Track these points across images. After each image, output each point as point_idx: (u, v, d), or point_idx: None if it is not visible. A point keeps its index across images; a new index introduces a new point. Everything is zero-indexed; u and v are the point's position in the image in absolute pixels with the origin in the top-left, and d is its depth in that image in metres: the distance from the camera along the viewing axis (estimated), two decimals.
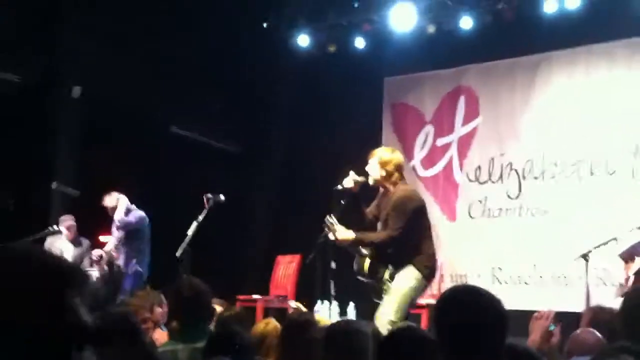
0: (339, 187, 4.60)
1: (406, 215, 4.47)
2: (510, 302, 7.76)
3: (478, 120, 7.76)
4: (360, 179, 4.61)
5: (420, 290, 4.49)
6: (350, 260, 4.61)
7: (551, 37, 7.10)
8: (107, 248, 6.81)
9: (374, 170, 4.63)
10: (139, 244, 6.72)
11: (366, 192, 4.78)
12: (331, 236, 4.51)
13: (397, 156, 4.74)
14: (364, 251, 4.55)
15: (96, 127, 7.19)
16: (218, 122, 8.17)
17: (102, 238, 7.06)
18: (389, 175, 4.62)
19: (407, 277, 4.43)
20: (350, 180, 4.61)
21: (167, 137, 7.77)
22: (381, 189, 4.72)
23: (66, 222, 6.93)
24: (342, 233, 4.49)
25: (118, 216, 6.67)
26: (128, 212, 6.72)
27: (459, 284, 2.35)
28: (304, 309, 3.36)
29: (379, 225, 4.68)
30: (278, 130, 8.62)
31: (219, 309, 3.70)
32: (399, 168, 4.66)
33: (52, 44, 7.12)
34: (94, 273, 6.66)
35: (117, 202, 6.72)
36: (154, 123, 7.54)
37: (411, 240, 4.48)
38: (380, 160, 4.63)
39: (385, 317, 4.35)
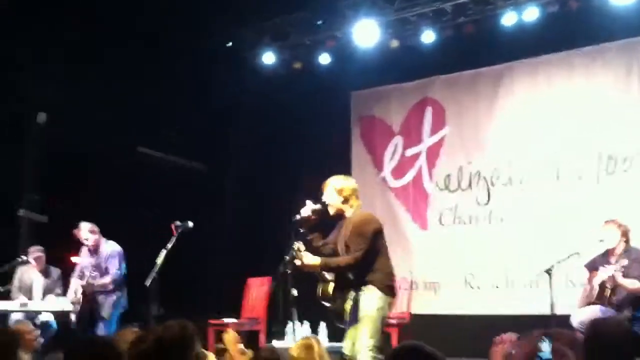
0: (297, 216, 4.66)
1: (367, 237, 4.57)
2: (484, 307, 7.86)
3: (445, 130, 7.87)
4: (317, 207, 4.67)
5: (387, 308, 4.58)
6: (313, 285, 4.66)
7: (511, 48, 7.25)
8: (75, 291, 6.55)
9: (331, 199, 4.71)
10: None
11: (326, 220, 4.83)
12: (297, 262, 4.56)
13: (351, 181, 4.85)
14: (328, 277, 4.63)
15: (62, 152, 7.17)
16: (184, 143, 8.18)
17: (74, 259, 6.99)
18: (346, 200, 4.70)
19: (372, 300, 4.51)
20: (307, 209, 4.67)
21: (133, 160, 7.76)
22: (339, 219, 4.77)
23: (34, 254, 6.85)
24: (309, 259, 4.56)
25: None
26: (113, 257, 6.56)
27: (410, 341, 2.39)
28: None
29: (341, 253, 4.73)
30: (247, 149, 8.62)
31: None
32: (354, 193, 4.75)
33: (15, 69, 7.11)
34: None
35: (98, 242, 6.56)
36: (120, 146, 7.54)
37: (370, 262, 4.57)
38: (335, 188, 4.71)
39: (364, 345, 4.43)
